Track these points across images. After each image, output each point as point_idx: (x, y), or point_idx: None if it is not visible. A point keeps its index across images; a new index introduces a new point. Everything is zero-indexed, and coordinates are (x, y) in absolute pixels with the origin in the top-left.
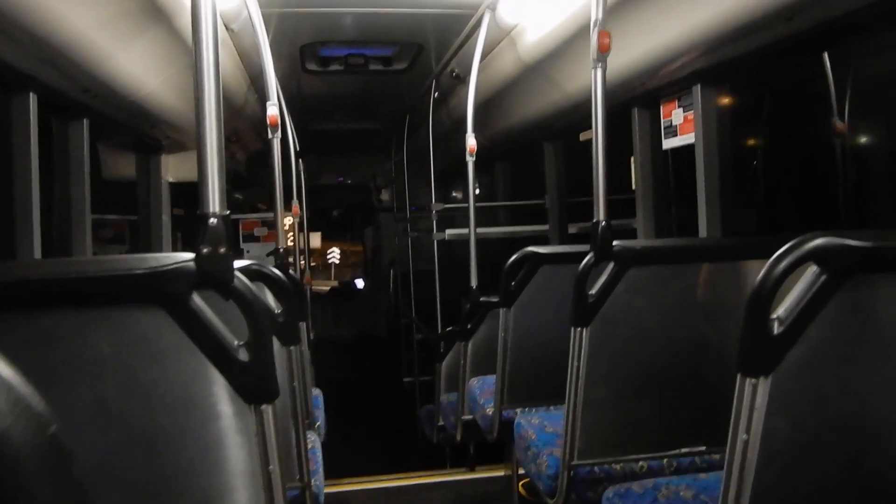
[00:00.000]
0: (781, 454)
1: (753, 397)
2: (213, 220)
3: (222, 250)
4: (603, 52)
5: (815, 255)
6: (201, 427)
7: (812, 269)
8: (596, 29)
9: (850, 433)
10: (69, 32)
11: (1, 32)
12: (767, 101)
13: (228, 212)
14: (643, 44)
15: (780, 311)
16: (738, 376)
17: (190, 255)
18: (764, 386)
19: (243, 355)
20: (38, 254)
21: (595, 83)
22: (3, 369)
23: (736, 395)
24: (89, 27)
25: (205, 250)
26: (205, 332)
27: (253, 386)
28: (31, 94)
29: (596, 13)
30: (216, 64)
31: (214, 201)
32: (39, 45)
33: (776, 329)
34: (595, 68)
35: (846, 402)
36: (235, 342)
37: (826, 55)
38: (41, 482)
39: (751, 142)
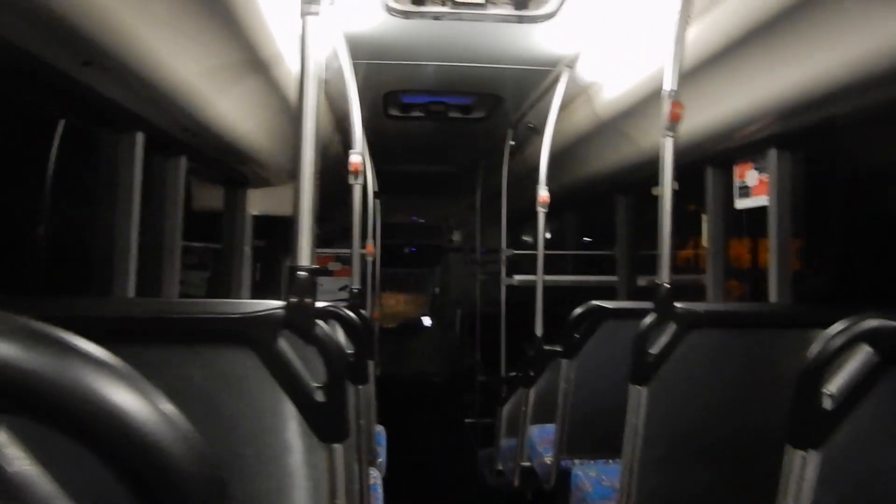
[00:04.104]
0: None
1: (803, 470)
2: (302, 273)
3: (308, 301)
4: (674, 121)
5: (867, 337)
6: (276, 460)
7: (864, 349)
8: (669, 99)
9: None
10: (178, 78)
11: (117, 77)
12: (846, 167)
13: (317, 266)
14: (717, 109)
15: (832, 386)
16: (787, 448)
17: (279, 303)
18: (813, 459)
19: (320, 396)
20: (133, 283)
21: (665, 151)
22: (184, 424)
23: (784, 466)
24: (196, 74)
25: (293, 300)
26: (286, 372)
27: (326, 425)
28: (138, 133)
29: (669, 83)
30: (315, 139)
31: (305, 256)
32: (151, 89)
33: (827, 404)
34: (665, 136)
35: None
36: (313, 383)
37: None
38: None
39: (827, 207)
